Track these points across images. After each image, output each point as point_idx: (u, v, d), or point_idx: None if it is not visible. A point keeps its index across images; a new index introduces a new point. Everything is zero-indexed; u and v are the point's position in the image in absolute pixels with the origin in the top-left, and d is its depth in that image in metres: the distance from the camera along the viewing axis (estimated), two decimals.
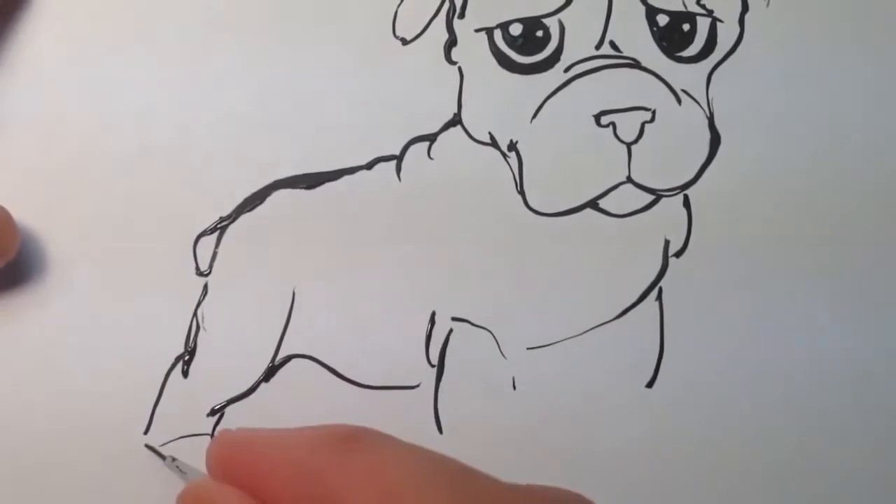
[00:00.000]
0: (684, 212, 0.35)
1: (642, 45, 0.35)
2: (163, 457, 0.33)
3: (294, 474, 0.24)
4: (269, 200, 0.34)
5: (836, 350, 0.35)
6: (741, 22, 0.35)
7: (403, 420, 0.34)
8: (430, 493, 0.23)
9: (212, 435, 0.34)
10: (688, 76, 0.35)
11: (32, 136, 0.34)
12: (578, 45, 0.34)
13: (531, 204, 0.35)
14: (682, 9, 0.35)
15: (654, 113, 0.34)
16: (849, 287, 0.35)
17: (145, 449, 0.33)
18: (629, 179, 0.34)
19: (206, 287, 0.34)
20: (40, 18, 0.35)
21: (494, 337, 0.34)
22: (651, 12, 0.35)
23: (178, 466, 0.32)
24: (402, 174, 0.35)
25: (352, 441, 0.24)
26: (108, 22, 0.35)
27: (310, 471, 0.24)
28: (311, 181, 0.34)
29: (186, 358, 0.34)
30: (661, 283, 0.35)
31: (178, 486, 0.33)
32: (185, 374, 0.34)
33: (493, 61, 0.35)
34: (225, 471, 0.26)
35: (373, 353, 0.34)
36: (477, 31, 0.35)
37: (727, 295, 0.35)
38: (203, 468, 0.27)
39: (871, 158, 0.36)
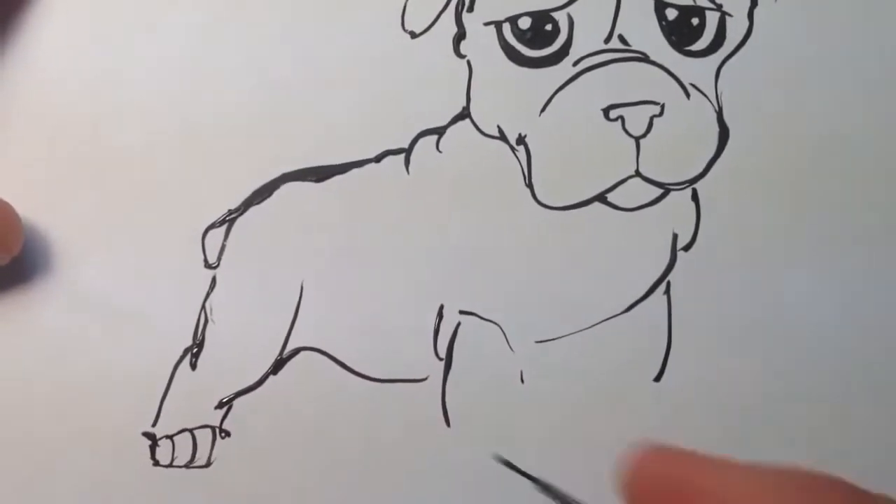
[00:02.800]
0: (693, 205, 0.35)
1: (651, 39, 0.35)
2: (536, 481, 0.29)
3: None
4: (278, 193, 0.34)
5: (845, 343, 0.35)
6: (750, 16, 0.35)
7: (411, 413, 0.34)
8: None
9: (219, 428, 0.33)
10: (697, 70, 0.35)
11: (39, 129, 0.34)
12: (587, 38, 0.34)
13: (539, 197, 0.35)
14: (691, 3, 0.35)
15: (662, 107, 0.34)
16: (857, 281, 0.35)
17: (152, 440, 0.33)
18: (637, 173, 0.34)
19: (214, 279, 0.34)
20: (45, 11, 0.35)
21: (502, 330, 0.34)
22: (660, 6, 0.35)
23: (553, 492, 0.28)
24: (410, 167, 0.35)
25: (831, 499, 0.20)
26: (113, 14, 0.35)
27: None
28: (319, 174, 0.34)
29: (195, 350, 0.34)
30: (670, 277, 0.35)
31: (183, 477, 0.33)
32: (194, 366, 0.34)
33: (502, 55, 0.35)
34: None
35: (381, 345, 0.34)
36: (486, 24, 0.35)
37: (735, 289, 0.35)
38: None
39: (878, 153, 0.35)
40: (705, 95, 0.35)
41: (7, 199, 0.33)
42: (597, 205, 0.35)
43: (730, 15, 0.35)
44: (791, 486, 0.20)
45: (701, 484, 0.21)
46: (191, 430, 0.34)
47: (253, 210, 0.34)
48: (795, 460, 0.34)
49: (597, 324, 0.35)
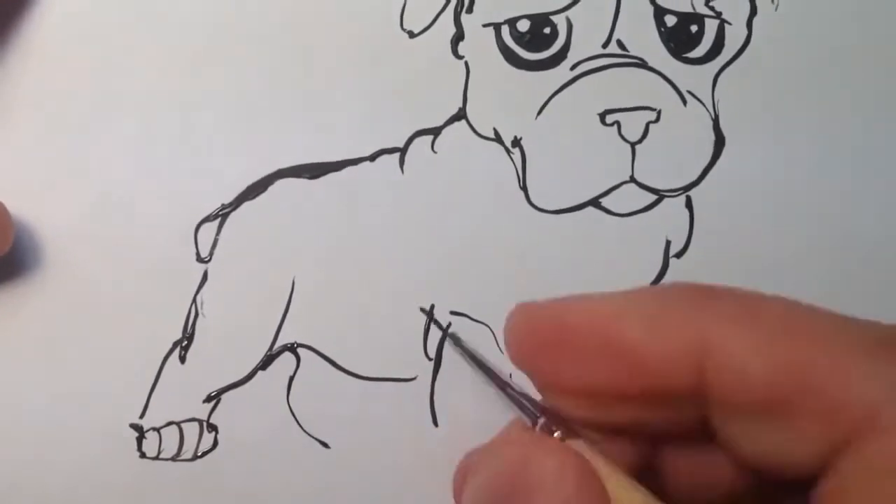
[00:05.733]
0: (686, 213, 0.35)
1: (649, 45, 0.35)
2: (445, 330, 0.33)
3: (650, 333, 0.21)
4: (272, 189, 0.34)
5: None
6: (749, 24, 0.35)
7: (399, 412, 0.34)
8: (825, 335, 0.20)
9: (207, 422, 0.34)
10: (694, 77, 0.35)
11: (33, 120, 0.34)
12: (585, 43, 0.34)
13: (533, 200, 0.35)
14: (691, 10, 0.35)
15: (659, 113, 0.34)
16: (848, 293, 0.35)
17: (140, 432, 0.33)
18: (632, 179, 0.34)
19: (205, 274, 0.34)
20: (42, 4, 0.35)
21: (493, 332, 0.34)
22: (659, 12, 0.35)
23: (462, 345, 0.32)
24: (405, 167, 0.35)
25: (709, 292, 0.21)
26: (112, 7, 0.35)
27: (669, 325, 0.21)
28: (314, 171, 0.34)
29: (184, 344, 0.34)
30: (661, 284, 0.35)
31: (169, 470, 0.33)
32: (183, 359, 0.34)
33: (500, 57, 0.35)
34: (545, 345, 0.23)
35: (371, 344, 0.34)
36: (484, 26, 0.35)
37: None
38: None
39: (876, 164, 0.35)
40: (702, 103, 0.35)
41: (1, 187, 0.33)
42: (591, 209, 0.35)
43: (729, 23, 0.35)
44: (644, 296, 0.22)
45: (574, 320, 0.23)
46: (178, 424, 0.34)
47: (246, 205, 0.34)
48: None
49: None
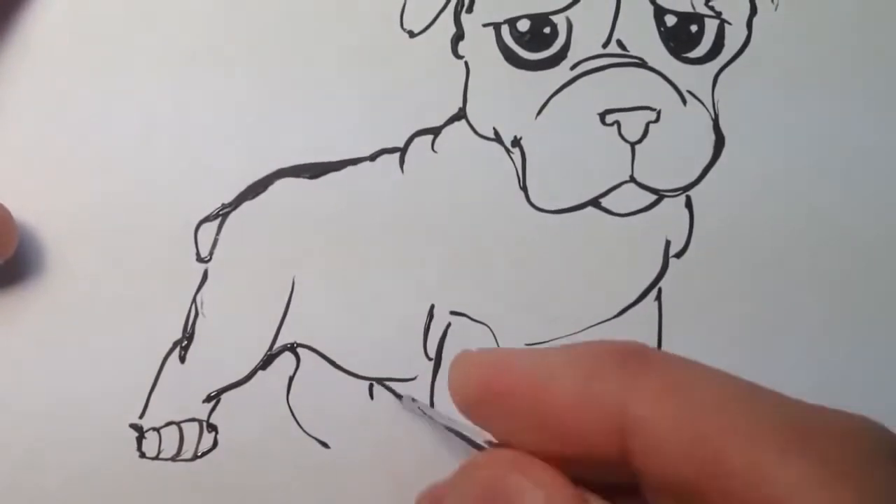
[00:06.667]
0: (686, 213, 0.35)
1: (649, 45, 0.35)
2: (399, 396, 0.33)
3: (576, 401, 0.21)
4: (272, 189, 0.34)
5: (834, 354, 0.35)
6: (749, 25, 0.35)
7: (399, 412, 0.34)
8: (741, 418, 0.20)
9: (207, 422, 0.34)
10: (694, 77, 0.35)
11: (33, 120, 0.34)
12: (585, 42, 0.34)
13: (533, 200, 0.35)
14: (691, 10, 0.35)
15: (658, 113, 0.34)
16: (848, 293, 0.35)
17: (139, 432, 0.33)
18: (632, 179, 0.34)
19: (205, 273, 0.34)
20: (42, 4, 0.35)
21: (493, 332, 0.34)
22: (659, 12, 0.35)
23: (418, 407, 0.32)
24: (405, 167, 0.35)
25: (640, 359, 0.21)
26: (112, 7, 0.35)
27: (595, 395, 0.21)
28: (314, 171, 0.34)
29: (184, 344, 0.34)
30: (661, 284, 0.35)
31: (169, 470, 0.33)
32: (183, 359, 0.34)
33: (500, 57, 0.35)
34: (480, 401, 0.23)
35: (371, 344, 0.34)
36: (484, 25, 0.35)
37: (726, 297, 0.35)
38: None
39: (876, 164, 0.36)
40: (702, 103, 0.35)
41: (2, 187, 0.33)
42: (590, 209, 0.35)
43: (729, 23, 0.35)
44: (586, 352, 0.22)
45: (507, 381, 0.22)
46: (178, 424, 0.34)
47: (246, 205, 0.34)
48: None
49: (587, 328, 0.35)
